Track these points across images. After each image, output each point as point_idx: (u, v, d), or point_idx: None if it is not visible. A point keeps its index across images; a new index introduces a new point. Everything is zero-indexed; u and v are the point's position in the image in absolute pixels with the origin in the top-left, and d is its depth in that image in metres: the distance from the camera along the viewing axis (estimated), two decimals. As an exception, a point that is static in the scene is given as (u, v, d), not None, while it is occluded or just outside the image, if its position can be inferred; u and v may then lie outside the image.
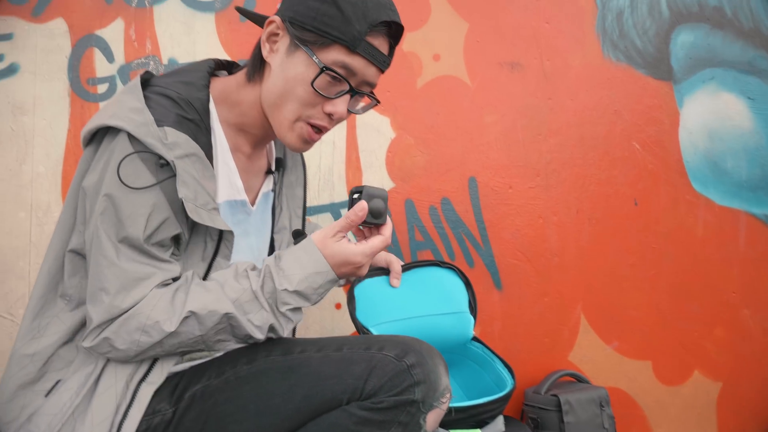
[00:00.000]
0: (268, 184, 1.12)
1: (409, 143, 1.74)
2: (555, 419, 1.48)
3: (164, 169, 0.85)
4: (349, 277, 0.96)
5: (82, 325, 0.90)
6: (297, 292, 0.86)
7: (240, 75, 0.99)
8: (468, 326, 1.26)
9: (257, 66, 0.96)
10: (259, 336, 0.87)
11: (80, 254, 0.89)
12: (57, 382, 0.86)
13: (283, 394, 0.84)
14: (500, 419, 1.05)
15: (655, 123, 1.86)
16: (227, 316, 0.84)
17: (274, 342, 0.91)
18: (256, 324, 0.85)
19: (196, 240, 0.91)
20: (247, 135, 1.02)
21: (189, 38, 1.68)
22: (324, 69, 0.88)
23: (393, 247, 1.70)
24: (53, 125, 1.62)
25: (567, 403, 1.49)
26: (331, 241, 0.89)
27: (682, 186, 1.87)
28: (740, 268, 1.90)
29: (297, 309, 0.87)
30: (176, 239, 0.90)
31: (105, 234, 0.83)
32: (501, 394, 1.07)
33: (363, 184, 1.69)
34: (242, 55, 1.68)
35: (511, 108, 1.78)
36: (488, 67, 1.79)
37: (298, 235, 0.97)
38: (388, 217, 0.94)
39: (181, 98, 0.88)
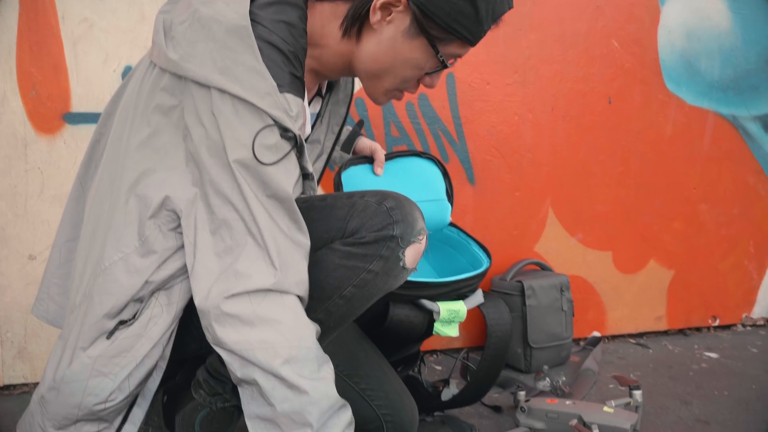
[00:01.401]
0: (315, 106, 1.20)
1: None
2: (518, 303, 1.86)
3: (290, 140, 0.91)
4: None
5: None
6: None
7: (326, 12, 1.02)
8: (446, 213, 1.55)
9: (357, 23, 1.02)
10: None
11: (175, 213, 0.92)
12: (119, 324, 0.94)
13: None
14: (479, 292, 1.36)
15: (635, 20, 2.10)
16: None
17: None
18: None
19: None
20: (316, 75, 1.10)
21: None
22: (445, 65, 1.03)
23: (370, 143, 1.96)
24: (2, 11, 1.73)
25: (530, 288, 1.86)
26: None
27: (655, 85, 2.16)
28: (703, 165, 2.26)
29: None
30: None
31: (255, 199, 0.87)
32: (479, 271, 1.36)
33: None
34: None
35: (492, 0, 1.99)
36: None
37: None
38: None
39: (290, 51, 0.92)
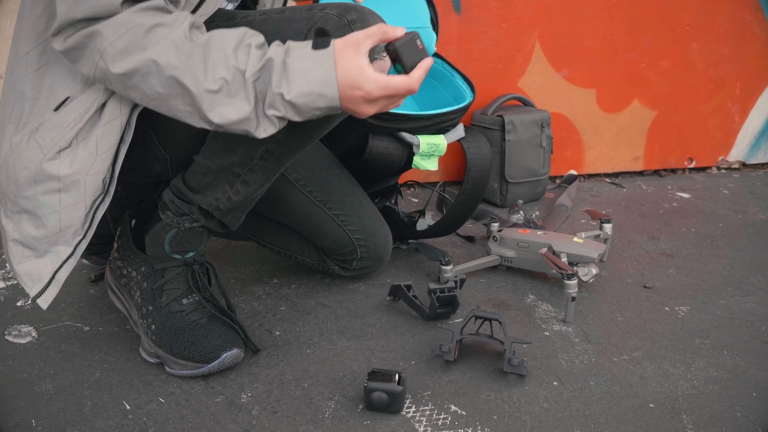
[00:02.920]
0: None
1: None
2: (498, 138, 1.87)
3: None
4: (352, 111, 0.88)
5: None
6: (292, 104, 0.83)
7: None
8: (430, 42, 1.49)
9: None
10: (226, 125, 0.86)
11: None
12: (66, 99, 0.93)
13: None
14: (460, 126, 1.37)
15: None
16: (188, 93, 0.84)
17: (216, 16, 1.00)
18: (229, 114, 0.84)
19: None
20: None
21: None
22: None
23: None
24: None
25: (510, 123, 1.86)
26: (352, 51, 0.84)
27: None
28: (700, 0, 2.19)
29: (283, 119, 0.86)
30: None
31: None
32: (462, 105, 1.35)
33: None
34: None
35: None
36: None
37: (321, 35, 0.86)
38: (423, 61, 0.89)
39: None
